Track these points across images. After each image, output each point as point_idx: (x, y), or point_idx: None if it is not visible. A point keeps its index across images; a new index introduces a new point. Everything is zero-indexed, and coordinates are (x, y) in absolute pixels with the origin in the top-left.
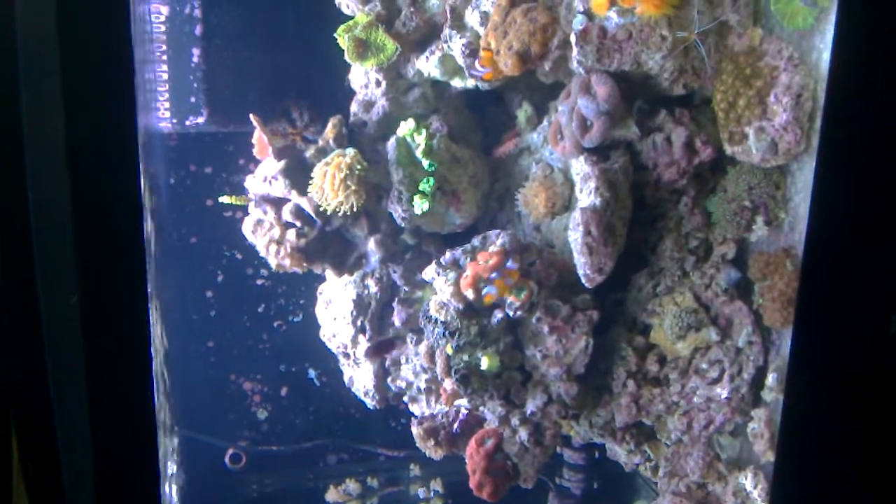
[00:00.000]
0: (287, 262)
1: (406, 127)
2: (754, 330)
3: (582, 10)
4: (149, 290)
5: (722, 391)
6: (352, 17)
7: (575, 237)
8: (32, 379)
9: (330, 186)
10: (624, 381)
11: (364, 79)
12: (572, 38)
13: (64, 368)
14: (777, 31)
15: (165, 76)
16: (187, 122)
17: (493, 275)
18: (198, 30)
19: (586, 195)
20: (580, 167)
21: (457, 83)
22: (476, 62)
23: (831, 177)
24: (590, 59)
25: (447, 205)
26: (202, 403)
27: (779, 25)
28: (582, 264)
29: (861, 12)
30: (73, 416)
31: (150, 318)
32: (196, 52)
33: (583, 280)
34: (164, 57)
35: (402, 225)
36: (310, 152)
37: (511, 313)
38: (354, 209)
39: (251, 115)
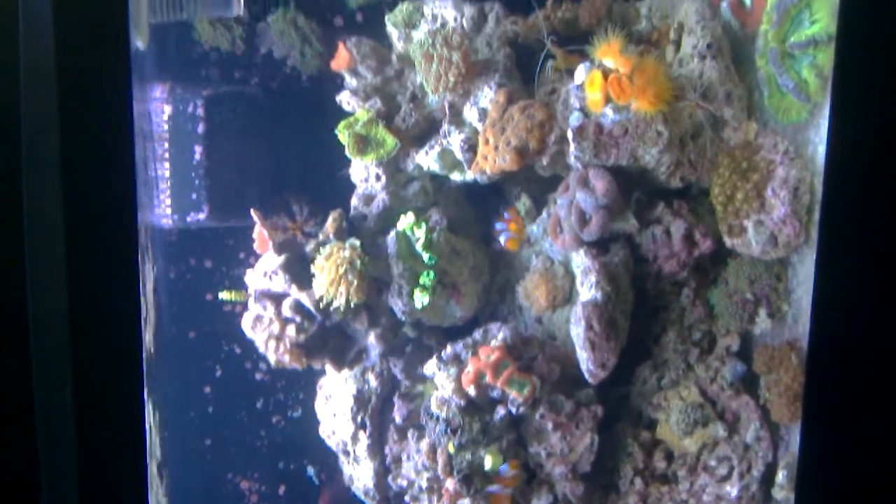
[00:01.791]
0: (286, 358)
1: (406, 221)
2: (762, 425)
3: (578, 107)
4: (145, 390)
5: (732, 489)
6: (352, 114)
7: (577, 332)
8: (23, 473)
9: (330, 281)
10: (631, 478)
11: (364, 173)
12: (569, 134)
13: (56, 464)
14: (772, 124)
15: (167, 173)
16: (188, 219)
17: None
18: (200, 128)
19: (587, 289)
20: (580, 260)
21: (456, 176)
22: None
23: (832, 269)
24: (587, 154)
25: (448, 298)
26: None
27: (773, 119)
28: (585, 360)
29: (855, 106)
30: None
31: (146, 418)
32: (198, 149)
33: (586, 376)
34: (167, 155)
35: (403, 319)
36: (310, 246)
37: (514, 409)
38: (354, 304)
39: (252, 211)
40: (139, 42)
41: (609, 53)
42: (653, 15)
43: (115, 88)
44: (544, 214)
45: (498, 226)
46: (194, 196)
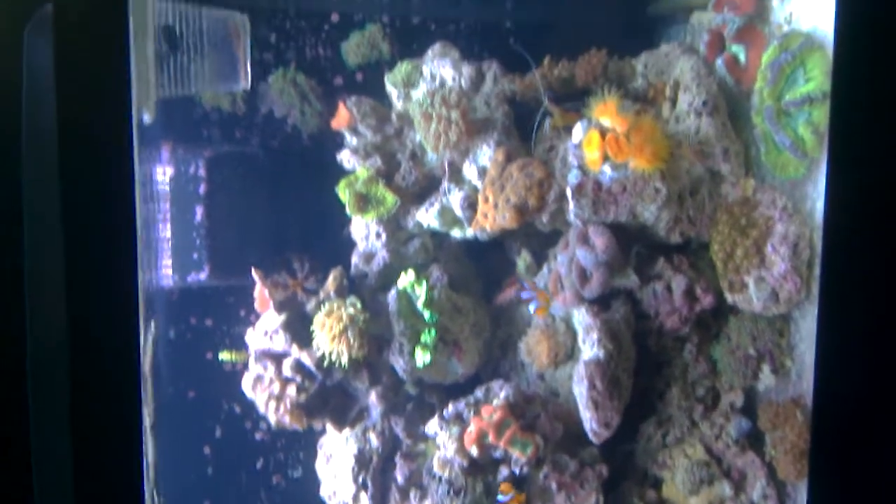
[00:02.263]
0: (287, 418)
1: (407, 278)
2: (768, 483)
3: (576, 164)
4: (143, 449)
5: None
6: (352, 172)
7: (580, 391)
8: None
9: (331, 339)
10: None
11: (365, 230)
12: (568, 192)
13: None
14: (769, 180)
15: (168, 234)
16: (189, 278)
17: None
18: (201, 188)
19: (589, 347)
20: (582, 318)
21: (456, 233)
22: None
23: (834, 325)
24: (586, 211)
25: (449, 355)
26: None
27: (770, 175)
28: (588, 419)
29: (852, 162)
30: None
31: (145, 478)
32: (199, 209)
33: (590, 435)
34: (168, 215)
35: (404, 377)
36: (311, 305)
37: (517, 470)
38: (355, 362)
39: (252, 270)
40: (146, 115)
41: (605, 113)
42: (648, 72)
43: (117, 151)
44: (545, 270)
45: (525, 294)
46: (195, 256)
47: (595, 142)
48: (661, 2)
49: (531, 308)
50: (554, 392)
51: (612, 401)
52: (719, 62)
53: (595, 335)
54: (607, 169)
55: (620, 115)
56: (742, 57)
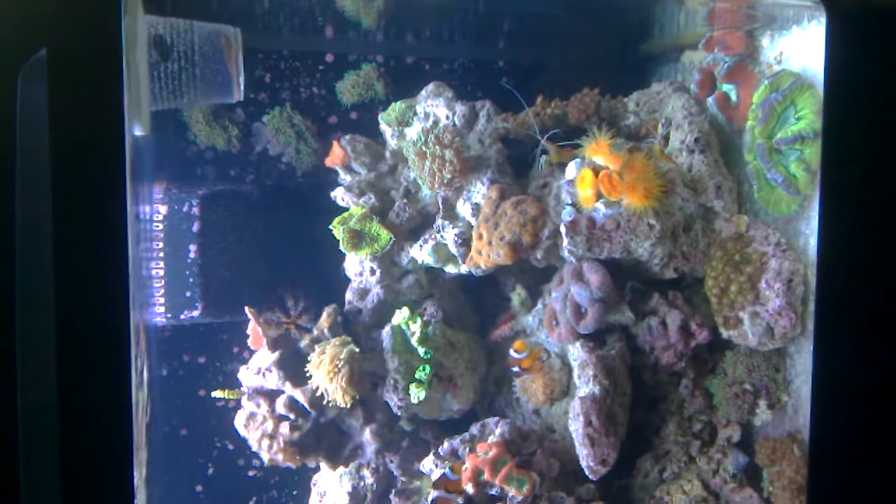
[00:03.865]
0: (280, 456)
1: (401, 315)
2: None
3: (570, 202)
4: (135, 488)
5: None
6: (346, 209)
7: (576, 427)
8: None
9: (325, 376)
10: None
11: (359, 267)
12: (562, 229)
13: None
14: (762, 216)
15: (162, 272)
16: (182, 316)
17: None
18: (195, 227)
19: (584, 383)
20: (577, 353)
21: (450, 269)
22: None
23: (830, 359)
24: (580, 248)
25: (444, 391)
26: None
27: (763, 212)
28: (584, 456)
29: (844, 199)
30: None
31: None
32: (192, 247)
33: (586, 472)
34: (161, 254)
35: (399, 413)
36: (304, 342)
37: None
38: (348, 403)
39: (246, 309)
40: (138, 129)
41: (599, 152)
42: (641, 110)
43: (110, 190)
44: (539, 305)
45: (514, 370)
46: (188, 294)
47: (588, 179)
48: (653, 41)
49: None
50: (550, 428)
51: (608, 437)
52: (710, 100)
53: (590, 371)
54: (601, 206)
55: (613, 153)
56: (733, 95)
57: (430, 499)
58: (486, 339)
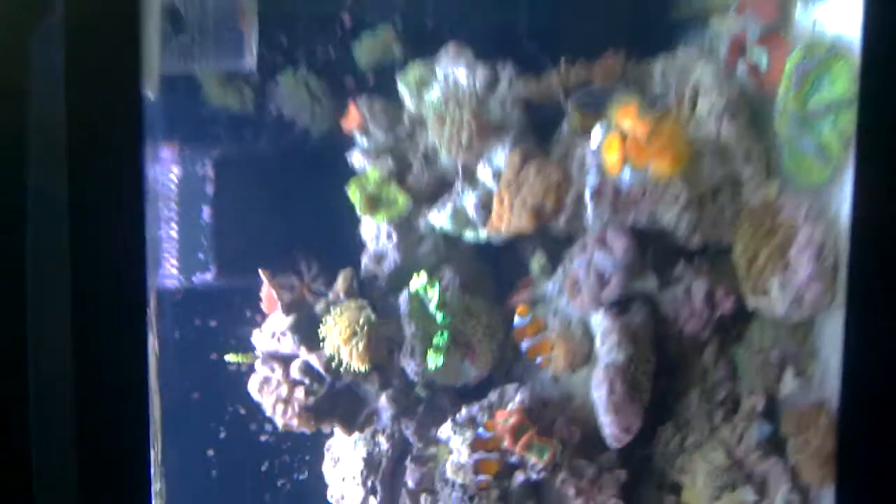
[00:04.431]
0: (295, 422)
1: (419, 280)
2: (792, 488)
3: (595, 167)
4: (151, 453)
5: None
6: (363, 173)
7: (599, 395)
8: None
9: (341, 341)
10: None
11: (375, 232)
12: (586, 195)
13: None
14: (792, 184)
15: (174, 234)
16: (195, 279)
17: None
18: (209, 188)
19: (608, 350)
20: (600, 321)
21: (469, 235)
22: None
23: (861, 330)
24: (605, 215)
25: (461, 357)
26: None
27: (794, 180)
28: (608, 424)
29: (879, 167)
30: None
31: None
32: (206, 209)
33: (609, 440)
34: (174, 215)
35: (415, 379)
36: (320, 306)
37: (533, 475)
38: (365, 368)
39: (259, 271)
40: (149, 92)
41: (626, 115)
42: (667, 76)
43: (126, 147)
44: (560, 272)
45: (526, 343)
46: (201, 256)
47: (615, 144)
48: (680, 6)
49: (537, 361)
50: (569, 396)
51: (632, 405)
52: (740, 67)
53: (614, 338)
54: (627, 172)
55: (641, 117)
56: (764, 62)
57: (471, 462)
58: (503, 305)
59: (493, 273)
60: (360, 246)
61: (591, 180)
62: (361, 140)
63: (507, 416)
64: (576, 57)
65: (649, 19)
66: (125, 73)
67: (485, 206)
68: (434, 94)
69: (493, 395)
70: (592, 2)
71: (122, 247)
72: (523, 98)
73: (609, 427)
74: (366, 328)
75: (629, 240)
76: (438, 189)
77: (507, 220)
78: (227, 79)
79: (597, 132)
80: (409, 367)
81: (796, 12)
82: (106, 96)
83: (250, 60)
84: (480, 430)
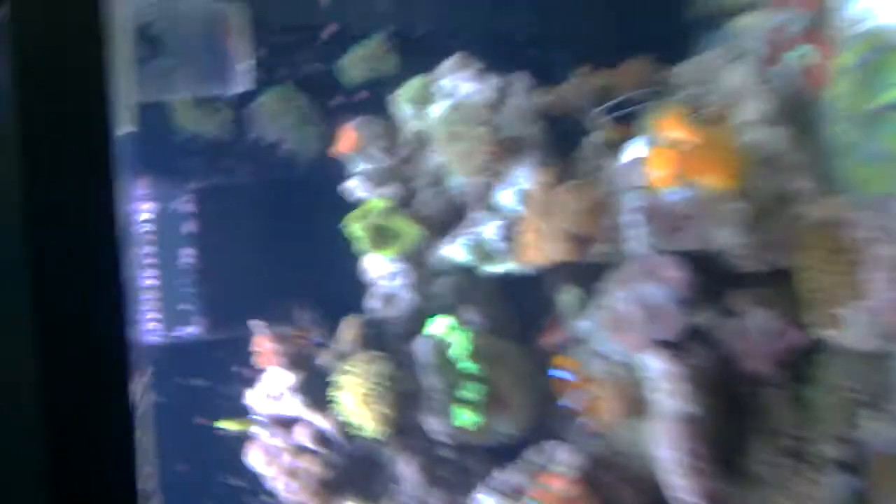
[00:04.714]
0: (303, 497)
1: (440, 324)
2: None
3: (636, 185)
4: None
5: None
6: (361, 202)
7: (668, 454)
8: None
9: (356, 403)
10: None
11: (381, 269)
12: (630, 217)
13: None
14: (858, 195)
15: (152, 282)
16: (177, 332)
17: None
18: (187, 227)
19: (668, 399)
20: (654, 364)
21: (489, 268)
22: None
23: None
24: (652, 238)
25: (491, 411)
26: None
27: (859, 190)
28: (682, 489)
29: None
30: None
31: None
32: (185, 252)
33: None
34: (150, 261)
35: (441, 440)
36: (325, 358)
37: None
38: (385, 431)
39: (253, 322)
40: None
41: (673, 125)
42: (696, 80)
43: (96, 185)
44: (597, 307)
45: (568, 398)
46: (183, 307)
47: (662, 158)
48: (699, 4)
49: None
50: (619, 453)
51: (706, 464)
52: (782, 66)
53: (675, 385)
54: (675, 189)
55: (689, 125)
56: (808, 60)
57: None
58: (532, 347)
59: (517, 311)
60: (364, 286)
61: (633, 199)
62: (358, 165)
63: (559, 483)
64: (589, 62)
65: (662, 20)
66: (93, 102)
67: (509, 235)
68: (439, 109)
69: (533, 456)
70: (601, 2)
71: (100, 303)
72: (541, 109)
73: (684, 492)
74: (386, 383)
75: (684, 267)
76: (451, 217)
77: (539, 250)
78: (201, 101)
79: (635, 145)
80: (434, 425)
81: (841, 1)
82: (70, 129)
83: (235, 84)
84: (529, 502)
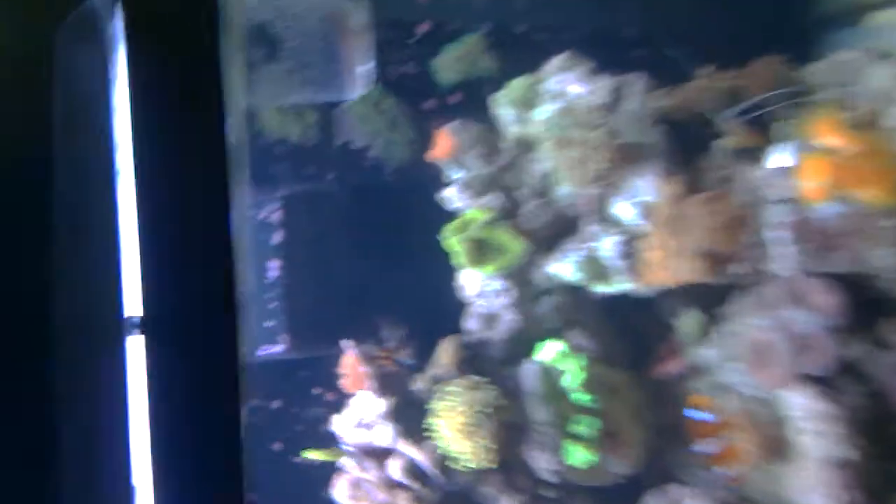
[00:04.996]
0: None
1: (551, 349)
2: None
3: (783, 198)
4: None
5: None
6: (458, 213)
7: (813, 502)
8: None
9: (458, 434)
10: None
11: (480, 286)
12: (772, 234)
13: None
14: None
15: None
16: (261, 352)
17: None
18: (275, 238)
19: (816, 441)
20: (800, 401)
21: (600, 288)
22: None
23: None
24: (801, 258)
25: (605, 448)
26: None
27: None
28: None
29: None
30: None
31: None
32: (273, 264)
33: None
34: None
35: (549, 479)
36: (420, 385)
37: None
38: (491, 465)
39: (344, 342)
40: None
41: (828, 131)
42: (837, 81)
43: (211, 202)
44: (725, 334)
45: (705, 445)
46: (269, 324)
47: (816, 168)
48: (825, 4)
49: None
50: (752, 501)
51: None
52: None
53: (829, 426)
54: (828, 203)
55: (848, 132)
56: None
57: None
58: (645, 376)
59: (629, 337)
60: (460, 304)
61: (780, 214)
62: (454, 172)
63: None
64: (710, 62)
65: (787, 15)
66: (205, 111)
67: (630, 251)
68: (544, 113)
69: (656, 502)
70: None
71: (213, 317)
72: (661, 114)
73: None
74: (489, 413)
75: (837, 293)
76: (556, 230)
77: (669, 269)
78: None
79: (780, 152)
80: (541, 462)
81: None
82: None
83: (353, 89)
84: None
